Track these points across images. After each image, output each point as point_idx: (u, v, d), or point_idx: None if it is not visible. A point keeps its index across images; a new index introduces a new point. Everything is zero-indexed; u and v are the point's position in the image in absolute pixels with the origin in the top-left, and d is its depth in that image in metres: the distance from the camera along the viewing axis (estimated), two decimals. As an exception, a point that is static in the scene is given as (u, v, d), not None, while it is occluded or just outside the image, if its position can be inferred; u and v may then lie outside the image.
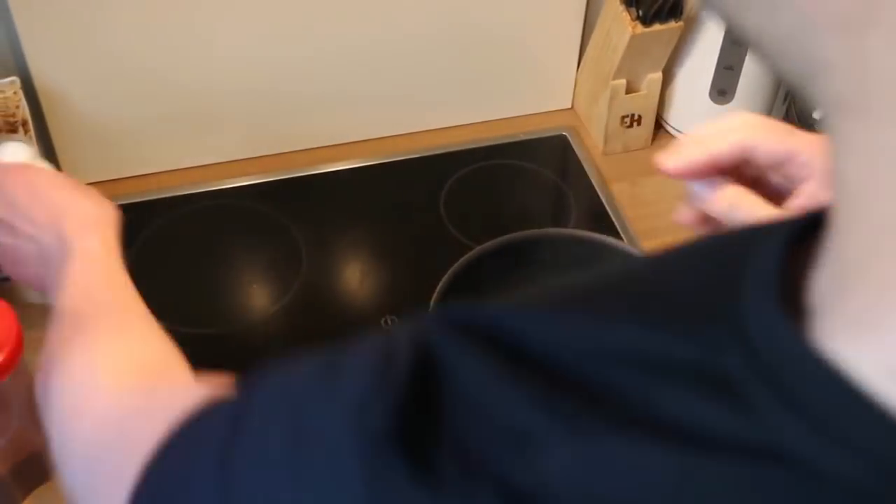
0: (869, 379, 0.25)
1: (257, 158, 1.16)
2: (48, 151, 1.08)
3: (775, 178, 0.61)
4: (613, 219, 1.11)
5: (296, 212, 1.10)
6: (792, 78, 0.29)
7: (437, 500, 0.28)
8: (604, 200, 1.13)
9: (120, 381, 0.54)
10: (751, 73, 1.12)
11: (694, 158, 0.60)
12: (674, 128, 1.20)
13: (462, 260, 0.93)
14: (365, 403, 0.31)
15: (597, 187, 1.15)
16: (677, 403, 0.27)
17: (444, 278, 0.91)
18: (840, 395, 0.25)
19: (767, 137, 0.59)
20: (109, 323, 0.60)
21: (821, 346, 0.26)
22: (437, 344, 0.32)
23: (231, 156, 1.15)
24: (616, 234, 1.08)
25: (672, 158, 0.61)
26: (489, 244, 0.95)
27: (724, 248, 0.31)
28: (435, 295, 0.90)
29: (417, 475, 0.29)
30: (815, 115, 1.00)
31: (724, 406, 0.26)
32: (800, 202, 0.59)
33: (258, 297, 1.04)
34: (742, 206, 0.59)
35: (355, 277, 1.07)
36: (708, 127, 0.61)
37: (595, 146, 1.20)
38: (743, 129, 0.60)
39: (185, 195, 1.11)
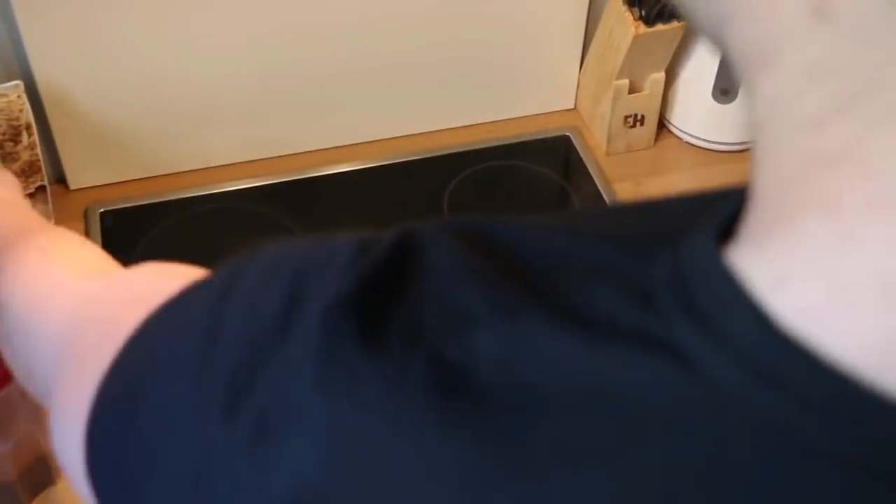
0: (760, 291, 0.27)
1: (260, 161, 1.16)
2: (52, 155, 1.09)
3: None
4: (617, 219, 1.10)
5: (299, 214, 1.10)
6: (708, 34, 0.31)
7: (375, 362, 0.30)
8: (607, 201, 1.13)
9: (78, 273, 0.54)
10: (754, 73, 1.12)
11: None
12: (677, 127, 1.20)
13: None
14: (340, 268, 0.33)
15: (600, 187, 1.15)
16: (604, 301, 0.30)
17: None
18: (730, 302, 0.27)
19: None
20: (47, 236, 0.61)
21: (729, 263, 0.28)
22: (422, 232, 0.34)
23: (234, 158, 1.15)
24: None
25: None
26: None
27: (709, 197, 0.34)
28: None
29: (365, 338, 0.31)
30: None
31: (639, 306, 0.29)
32: None
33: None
34: None
35: (359, 279, 1.06)
36: None
37: (598, 146, 1.20)
38: None
39: (188, 198, 1.11)
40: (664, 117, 1.21)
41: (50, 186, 1.06)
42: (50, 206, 1.06)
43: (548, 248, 0.33)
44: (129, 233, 1.07)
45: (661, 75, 1.14)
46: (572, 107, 1.25)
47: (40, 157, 1.03)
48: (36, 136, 1.02)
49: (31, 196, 1.05)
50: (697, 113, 1.18)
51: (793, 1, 0.27)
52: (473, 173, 1.16)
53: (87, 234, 1.07)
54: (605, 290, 0.30)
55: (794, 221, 0.27)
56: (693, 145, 1.20)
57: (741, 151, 1.19)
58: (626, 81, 1.13)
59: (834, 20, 0.26)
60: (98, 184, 1.12)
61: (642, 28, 1.07)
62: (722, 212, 0.30)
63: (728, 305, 0.27)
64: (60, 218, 1.08)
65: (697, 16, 0.32)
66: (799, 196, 0.27)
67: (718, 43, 0.31)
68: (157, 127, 1.10)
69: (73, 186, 1.11)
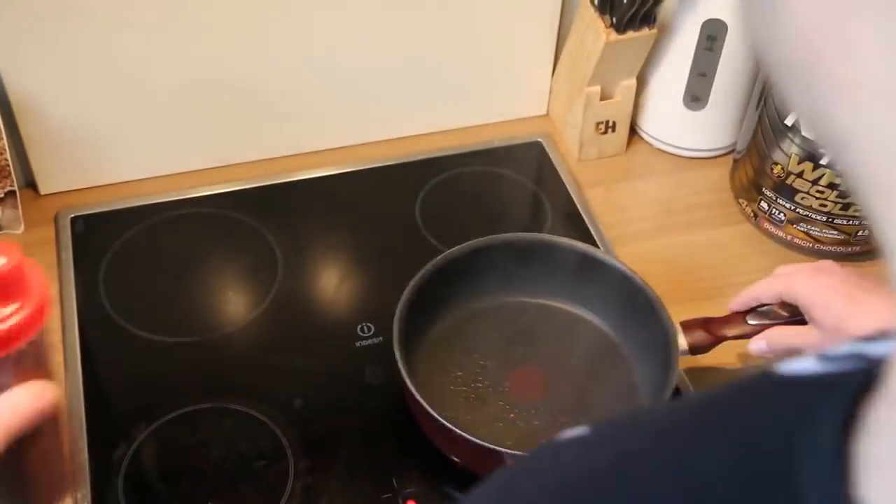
0: None
1: (233, 166, 1.16)
2: (21, 159, 1.08)
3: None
4: (588, 225, 1.11)
5: (271, 220, 1.10)
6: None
7: None
8: (579, 207, 1.13)
9: None
10: (724, 80, 1.12)
11: (745, 299, 0.90)
12: (648, 134, 1.21)
13: (428, 266, 0.93)
14: None
15: (572, 194, 1.15)
16: None
17: (410, 285, 0.91)
18: None
19: (792, 287, 0.85)
20: None
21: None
22: None
23: (207, 163, 1.15)
24: (591, 241, 1.08)
25: (735, 301, 0.91)
26: (456, 249, 0.95)
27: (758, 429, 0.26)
28: (400, 304, 0.90)
29: None
30: (787, 122, 1.01)
31: None
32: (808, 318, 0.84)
33: (234, 306, 1.03)
34: (780, 344, 0.87)
35: (332, 285, 1.07)
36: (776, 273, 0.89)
37: (570, 152, 1.20)
38: (783, 278, 0.87)
39: (160, 203, 1.11)
40: (636, 124, 1.22)
41: (20, 191, 1.06)
42: (19, 210, 1.06)
43: None
44: (101, 238, 1.07)
45: (632, 82, 1.15)
46: (544, 113, 1.25)
47: (10, 161, 1.02)
48: (5, 141, 1.01)
49: (0, 201, 1.04)
50: (668, 119, 1.19)
51: None
52: (445, 179, 1.16)
53: (58, 239, 1.06)
54: None
55: None
56: (664, 152, 1.21)
57: (712, 158, 1.20)
58: (597, 88, 1.14)
59: None
60: (69, 189, 1.11)
61: (613, 35, 1.08)
62: (830, 463, 0.23)
63: None
64: (30, 223, 1.07)
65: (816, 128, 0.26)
66: None
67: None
68: (128, 132, 1.10)
69: (43, 191, 1.11)
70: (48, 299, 0.59)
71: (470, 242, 0.96)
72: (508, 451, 0.80)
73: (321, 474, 0.88)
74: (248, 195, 1.13)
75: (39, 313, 0.58)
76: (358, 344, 0.98)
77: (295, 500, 0.86)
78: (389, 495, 0.86)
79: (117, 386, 0.96)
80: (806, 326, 0.85)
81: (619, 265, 0.95)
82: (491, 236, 0.97)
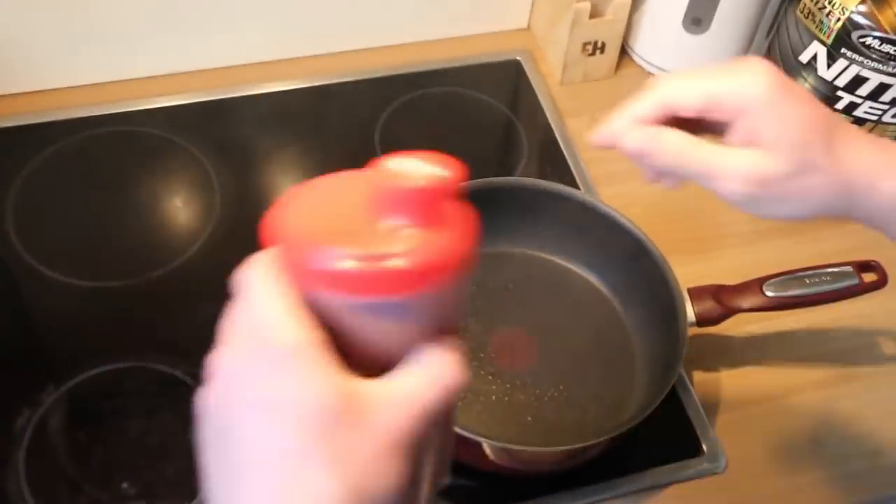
0: None
1: (165, 77, 1.02)
2: (-81, 63, 0.94)
3: (711, 119, 0.60)
4: (569, 161, 0.99)
5: (210, 142, 0.97)
6: None
7: None
8: (559, 138, 1.01)
9: None
10: (730, 2, 0.99)
11: (618, 125, 0.62)
12: (641, 57, 1.08)
13: None
14: None
15: (552, 122, 1.03)
16: None
17: None
18: None
19: (683, 92, 0.59)
20: None
21: None
22: None
23: (138, 73, 1.01)
24: (571, 178, 0.97)
25: (598, 132, 0.63)
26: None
27: None
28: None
29: None
30: (802, 58, 0.89)
31: None
32: (736, 140, 0.58)
33: (163, 245, 0.91)
34: (685, 154, 0.59)
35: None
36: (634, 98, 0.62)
37: (551, 74, 1.07)
38: (660, 87, 0.60)
39: (82, 118, 0.98)
40: (627, 45, 1.08)
41: (-84, 101, 0.92)
42: (-84, 123, 0.92)
43: None
44: (10, 158, 0.94)
45: (626, 0, 1.01)
46: (525, 26, 1.11)
47: None
48: None
49: None
50: (664, 43, 1.06)
51: None
52: (410, 100, 1.04)
53: (-39, 157, 0.93)
54: None
55: None
56: (657, 78, 1.08)
57: (709, 87, 1.08)
58: (587, 4, 1.00)
59: None
60: (-25, 97, 0.98)
61: (609, -55, 0.94)
62: None
63: None
64: (-71, 137, 0.93)
65: None
66: None
67: None
68: (48, 33, 0.96)
69: (-55, 99, 0.97)
70: (474, 241, 0.41)
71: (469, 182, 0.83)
72: (491, 440, 0.70)
73: (255, 451, 0.77)
74: (185, 112, 1.00)
75: (457, 255, 0.40)
76: (303, 295, 0.86)
77: (224, 481, 0.76)
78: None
79: (22, 339, 0.84)
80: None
81: (623, 220, 0.83)
82: (489, 178, 0.84)
